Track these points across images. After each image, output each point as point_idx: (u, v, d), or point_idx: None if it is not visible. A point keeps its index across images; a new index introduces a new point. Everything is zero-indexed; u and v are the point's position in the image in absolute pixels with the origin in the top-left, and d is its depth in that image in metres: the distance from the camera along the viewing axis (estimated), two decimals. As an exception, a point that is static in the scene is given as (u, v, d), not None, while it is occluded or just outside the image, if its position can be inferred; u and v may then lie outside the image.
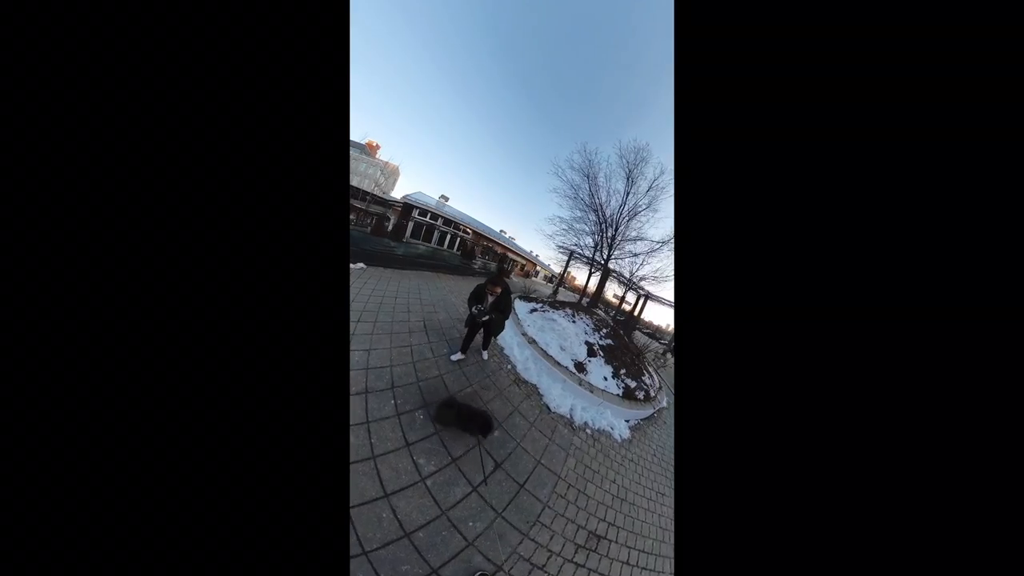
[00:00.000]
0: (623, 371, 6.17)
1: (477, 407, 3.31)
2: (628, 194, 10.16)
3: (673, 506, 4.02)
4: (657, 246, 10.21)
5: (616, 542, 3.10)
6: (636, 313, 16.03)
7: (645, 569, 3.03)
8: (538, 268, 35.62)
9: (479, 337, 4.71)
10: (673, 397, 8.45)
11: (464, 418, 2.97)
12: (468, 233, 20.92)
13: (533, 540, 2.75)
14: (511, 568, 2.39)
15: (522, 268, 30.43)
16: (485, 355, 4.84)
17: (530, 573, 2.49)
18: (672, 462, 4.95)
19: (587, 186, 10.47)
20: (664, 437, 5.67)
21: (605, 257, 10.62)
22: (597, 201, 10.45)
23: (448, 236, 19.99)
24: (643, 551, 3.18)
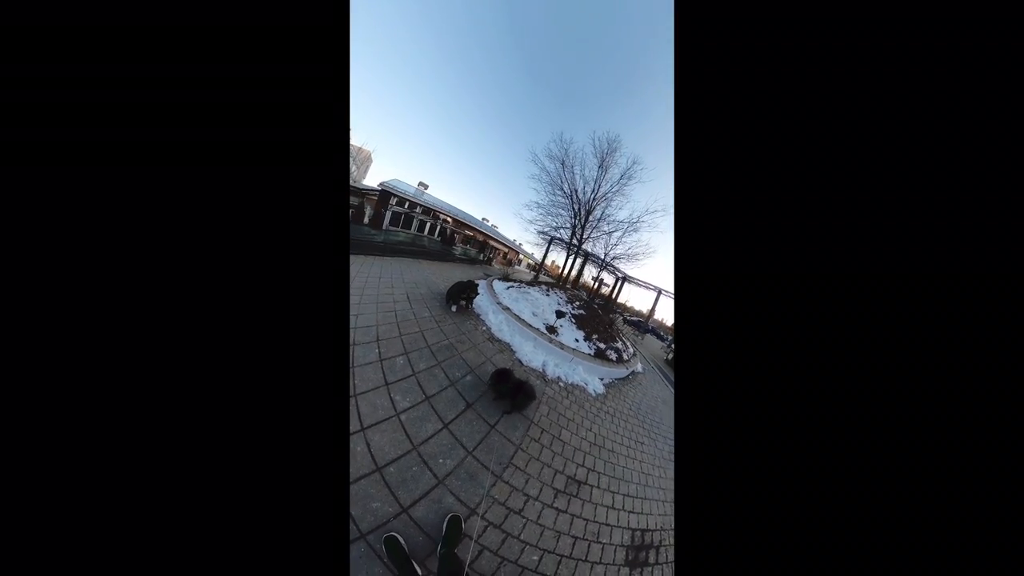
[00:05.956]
0: (595, 336, 5.67)
1: (524, 381, 3.05)
2: (599, 182, 10.13)
3: (652, 453, 3.52)
4: (625, 225, 10.21)
5: (598, 487, 2.54)
6: (614, 296, 15.77)
7: (632, 513, 2.49)
8: (521, 256, 33.79)
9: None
10: (650, 366, 8.19)
11: (513, 388, 2.83)
12: (449, 222, 19.59)
13: (507, 483, 2.20)
14: (485, 512, 1.90)
15: (504, 256, 29.06)
16: (454, 308, 5.03)
17: (506, 518, 1.96)
18: (649, 416, 4.48)
19: (563, 172, 10.32)
20: (640, 396, 5.20)
21: (580, 237, 10.53)
22: (571, 186, 10.31)
23: (428, 225, 18.47)
24: (627, 495, 2.64)
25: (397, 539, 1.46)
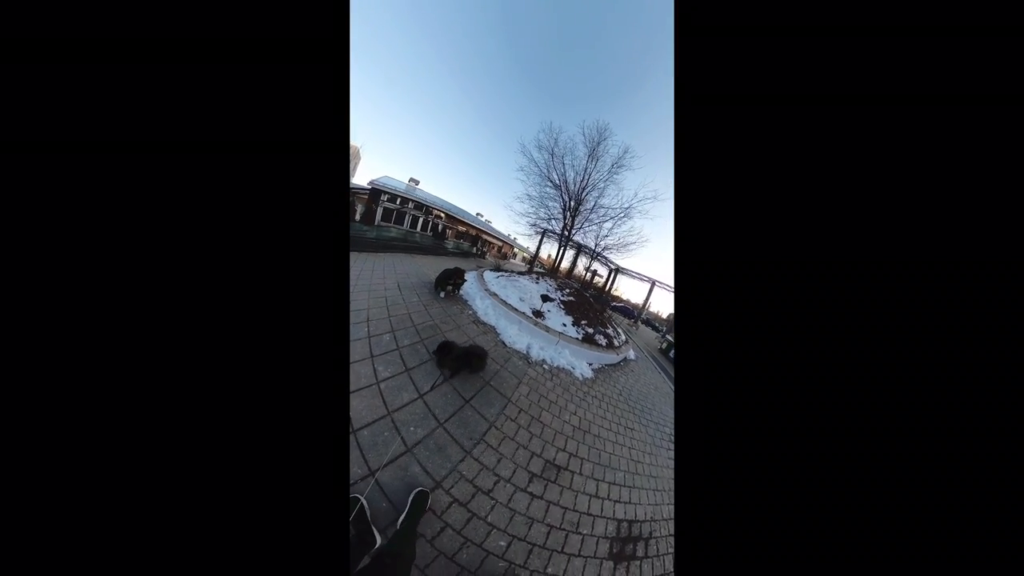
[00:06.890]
0: (584, 321, 5.37)
1: (470, 346, 3.00)
2: (588, 171, 9.88)
3: (643, 439, 3.22)
4: (617, 211, 9.93)
5: (580, 473, 2.24)
6: (607, 287, 15.46)
7: (619, 502, 2.19)
8: (516, 250, 33.11)
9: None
10: (643, 354, 7.91)
11: (461, 357, 2.77)
12: (441, 217, 19.19)
13: (477, 460, 1.92)
14: (451, 487, 1.69)
15: (499, 250, 28.48)
16: (442, 294, 4.85)
17: (473, 497, 1.69)
18: (641, 402, 4.19)
19: (552, 163, 10.06)
20: (632, 382, 4.90)
21: (570, 227, 10.20)
22: (561, 176, 10.03)
23: (420, 220, 17.94)
24: (613, 483, 2.34)
25: (361, 501, 1.40)
